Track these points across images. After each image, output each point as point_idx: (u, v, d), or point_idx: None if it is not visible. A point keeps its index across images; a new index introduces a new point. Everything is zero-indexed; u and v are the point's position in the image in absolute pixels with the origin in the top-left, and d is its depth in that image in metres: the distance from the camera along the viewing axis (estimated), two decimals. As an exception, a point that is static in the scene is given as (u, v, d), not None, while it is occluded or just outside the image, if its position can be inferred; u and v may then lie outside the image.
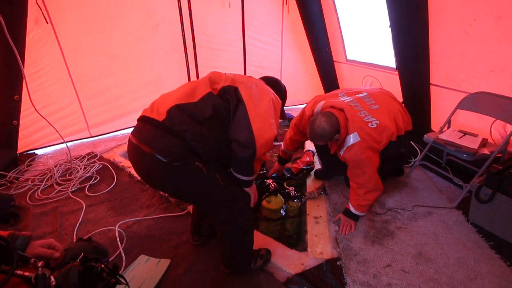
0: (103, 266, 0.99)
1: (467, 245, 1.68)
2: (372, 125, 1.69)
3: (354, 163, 1.73)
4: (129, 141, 1.30)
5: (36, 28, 2.54)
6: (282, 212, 1.96)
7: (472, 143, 1.94)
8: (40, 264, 0.85)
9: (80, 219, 2.03)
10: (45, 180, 2.48)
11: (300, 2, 3.33)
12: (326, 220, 1.91)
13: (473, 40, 2.03)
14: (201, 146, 1.20)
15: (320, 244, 1.71)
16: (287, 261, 1.61)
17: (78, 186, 2.42)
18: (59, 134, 2.52)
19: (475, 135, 2.04)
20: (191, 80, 3.45)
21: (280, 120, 1.46)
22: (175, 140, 1.17)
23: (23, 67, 2.26)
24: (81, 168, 2.64)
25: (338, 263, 1.58)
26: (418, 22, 2.18)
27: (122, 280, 1.06)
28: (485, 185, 1.70)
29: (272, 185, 2.09)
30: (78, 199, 2.24)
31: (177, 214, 2.03)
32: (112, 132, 3.36)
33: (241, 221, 1.38)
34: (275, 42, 3.74)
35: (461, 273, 1.50)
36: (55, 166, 2.67)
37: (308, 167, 2.42)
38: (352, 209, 1.80)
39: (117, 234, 1.83)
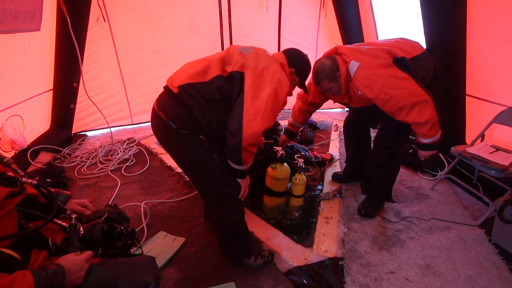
0: (122, 228, 1.18)
1: (483, 264, 1.61)
2: (364, 47, 1.67)
3: (372, 90, 1.58)
4: (153, 106, 1.46)
5: (96, 25, 2.92)
6: (288, 185, 1.93)
7: (503, 160, 1.83)
8: (74, 216, 1.06)
9: (115, 194, 2.31)
10: (90, 158, 2.85)
11: (337, 6, 3.35)
12: (337, 221, 1.94)
13: (515, 51, 1.92)
14: (205, 123, 1.34)
15: (326, 243, 1.76)
16: (291, 254, 1.68)
17: (117, 166, 2.73)
18: (105, 119, 2.87)
19: (509, 152, 1.92)
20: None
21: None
22: (185, 112, 1.32)
23: (82, 60, 2.62)
24: (120, 151, 2.97)
25: (341, 263, 1.62)
26: (454, 30, 2.10)
27: (136, 242, 1.24)
28: (510, 204, 1.61)
29: (280, 152, 1.93)
30: (115, 177, 2.54)
31: (194, 193, 2.24)
32: (150, 121, 3.68)
33: (229, 205, 1.47)
34: (310, 45, 3.79)
35: (470, 290, 1.46)
36: (100, 147, 3.03)
37: (322, 160, 2.44)
38: (423, 140, 1.68)
39: (142, 210, 2.06)
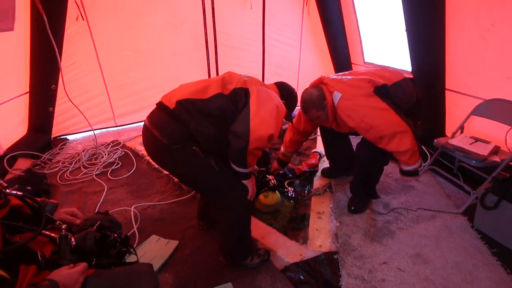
0: (116, 235, 1.13)
1: (468, 250, 1.67)
2: (346, 78, 1.76)
3: (353, 120, 1.65)
4: (144, 122, 1.44)
5: (73, 24, 2.77)
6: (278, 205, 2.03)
7: (482, 150, 1.91)
8: (63, 226, 0.99)
9: (102, 199, 2.21)
10: (73, 163, 2.71)
11: (320, 3, 3.36)
12: (328, 216, 1.96)
13: (490, 46, 1.99)
14: (202, 137, 1.33)
15: (320, 238, 1.77)
16: (287, 251, 1.68)
17: (102, 170, 2.62)
18: (88, 122, 2.74)
19: (487, 142, 2.00)
20: (211, 76, 3.59)
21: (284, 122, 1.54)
22: (178, 126, 1.30)
23: (60, 60, 2.48)
24: (105, 154, 2.85)
25: (335, 257, 1.63)
26: (434, 26, 2.16)
27: (131, 250, 1.19)
28: (491, 191, 1.68)
29: (273, 181, 2.06)
30: (101, 182, 2.43)
31: (187, 196, 2.18)
32: (135, 123, 3.56)
33: (237, 209, 1.44)
34: (294, 42, 3.79)
35: (458, 276, 1.51)
36: (83, 151, 2.89)
37: (312, 169, 2.44)
38: (406, 167, 1.75)
39: (132, 214, 1.99)
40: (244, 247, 1.58)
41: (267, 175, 2.12)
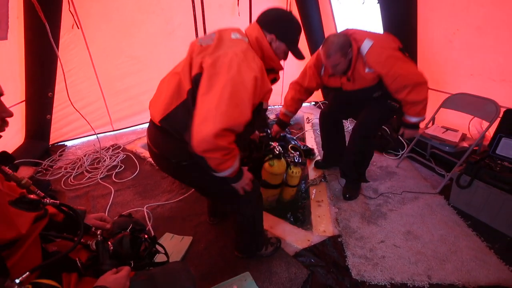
0: (146, 236, 1.06)
1: (448, 224, 1.76)
2: (373, 32, 1.68)
3: (384, 67, 1.58)
4: (147, 140, 1.28)
5: (68, 32, 2.56)
6: (285, 179, 1.84)
7: (453, 138, 2.01)
8: (99, 232, 0.91)
9: (110, 202, 2.08)
10: (76, 168, 2.52)
11: (301, 9, 3.36)
12: (327, 203, 1.98)
13: (455, 48, 2.09)
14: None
15: (323, 224, 1.78)
16: (295, 238, 1.68)
17: (106, 173, 2.46)
18: (91, 127, 2.56)
19: (456, 131, 2.12)
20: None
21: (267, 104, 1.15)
22: (177, 144, 1.09)
23: (62, 69, 2.26)
24: (107, 158, 2.68)
25: (339, 240, 1.65)
26: (407, 31, 2.23)
27: (161, 249, 1.12)
28: (465, 173, 1.78)
29: (277, 148, 1.80)
30: (107, 185, 2.29)
31: (189, 192, 2.10)
32: (132, 126, 3.38)
33: (250, 211, 1.36)
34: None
35: (444, 247, 1.59)
36: (84, 156, 2.71)
37: (308, 148, 2.45)
38: (413, 119, 1.72)
39: (145, 214, 1.89)
40: (258, 240, 1.54)
41: (270, 142, 1.85)
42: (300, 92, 1.98)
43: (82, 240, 0.90)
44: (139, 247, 1.01)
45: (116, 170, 2.50)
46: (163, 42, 3.11)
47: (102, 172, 2.46)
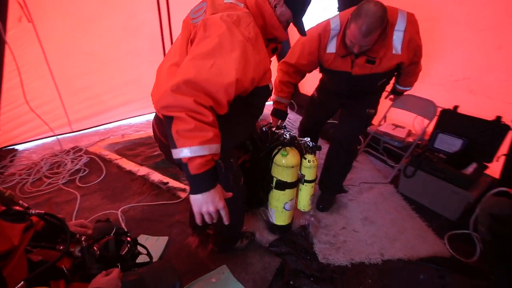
0: (129, 239, 1.10)
1: (397, 209, 2.04)
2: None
3: (419, 38, 1.43)
4: (153, 128, 1.21)
5: (15, 26, 2.34)
6: (299, 173, 1.54)
7: (401, 134, 2.32)
8: (83, 238, 0.94)
9: (77, 207, 2.01)
10: (32, 174, 2.36)
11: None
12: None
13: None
14: None
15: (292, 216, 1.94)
16: (267, 230, 1.80)
17: (68, 178, 2.34)
18: (50, 129, 2.40)
19: (403, 127, 2.43)
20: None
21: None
22: None
23: (16, 63, 2.07)
24: (68, 161, 2.54)
25: (307, 229, 1.83)
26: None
27: (143, 250, 1.17)
28: (410, 164, 2.08)
29: (286, 135, 1.51)
30: (71, 190, 2.19)
31: (172, 202, 2.06)
32: (94, 127, 3.22)
33: (235, 217, 1.29)
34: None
35: (394, 229, 1.85)
36: (41, 160, 2.53)
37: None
38: (406, 88, 1.82)
39: (120, 217, 1.87)
40: (236, 237, 1.60)
41: (276, 130, 1.62)
42: (289, 74, 1.67)
43: (64, 247, 0.92)
44: (123, 249, 1.05)
45: (80, 174, 2.39)
46: (126, 39, 3.01)
47: (64, 177, 2.34)
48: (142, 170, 2.43)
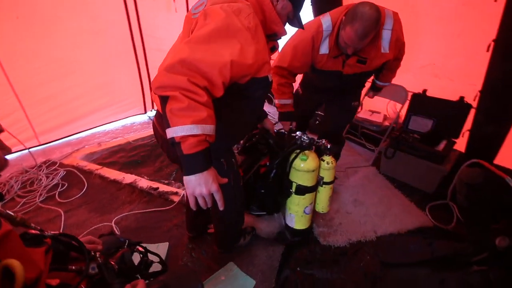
0: (141, 249, 1.07)
1: (382, 188, 2.21)
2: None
3: (403, 36, 1.48)
4: (154, 126, 1.22)
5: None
6: (319, 177, 1.51)
7: (378, 118, 2.49)
8: (98, 255, 0.90)
9: (62, 225, 1.88)
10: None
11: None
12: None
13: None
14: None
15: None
16: (266, 223, 1.83)
17: (46, 195, 2.17)
18: (20, 142, 2.20)
19: (378, 113, 2.61)
20: (142, 80, 3.30)
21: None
22: None
23: None
24: (43, 177, 2.35)
25: (304, 217, 1.90)
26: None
27: (156, 258, 1.15)
28: (390, 146, 2.24)
29: (304, 137, 1.46)
30: (52, 207, 2.04)
31: (165, 208, 2.00)
32: (64, 138, 2.98)
33: (235, 217, 1.39)
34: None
35: (382, 207, 2.00)
36: (11, 179, 2.31)
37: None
38: (386, 83, 1.84)
39: (114, 229, 1.80)
40: (237, 236, 1.60)
41: (292, 134, 1.57)
42: (284, 76, 1.66)
43: (76, 267, 0.88)
44: (137, 260, 1.03)
45: (59, 190, 2.23)
46: (91, 41, 2.81)
47: (41, 194, 2.16)
48: (128, 178, 2.33)
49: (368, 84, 1.98)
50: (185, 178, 0.84)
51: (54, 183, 2.29)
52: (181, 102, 0.77)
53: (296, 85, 2.04)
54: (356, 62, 1.49)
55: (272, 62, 1.13)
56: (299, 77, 2.17)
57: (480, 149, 1.99)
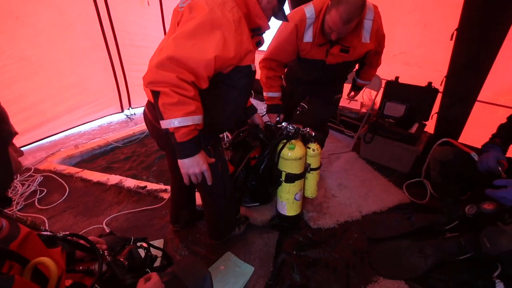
0: (145, 245, 1.09)
1: (363, 171, 2.36)
2: None
3: (382, 28, 1.54)
4: (145, 114, 1.25)
5: None
6: (306, 164, 1.58)
7: (356, 106, 2.63)
8: (106, 253, 0.91)
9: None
10: (-26, 207, 2.00)
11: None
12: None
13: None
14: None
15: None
16: (259, 212, 1.89)
17: (24, 203, 2.06)
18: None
19: (356, 100, 2.75)
20: (117, 77, 3.17)
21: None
22: None
23: None
24: (17, 185, 2.21)
25: (294, 203, 1.99)
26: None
27: (160, 253, 1.17)
28: (369, 132, 2.39)
29: (290, 127, 1.52)
30: (33, 215, 1.94)
31: (155, 206, 1.99)
32: (35, 142, 2.81)
33: (225, 204, 1.41)
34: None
35: (364, 188, 2.14)
36: (-19, 189, 2.14)
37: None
38: (366, 81, 1.91)
39: (106, 230, 1.76)
40: (230, 226, 1.63)
41: (279, 125, 1.62)
42: (272, 68, 1.71)
43: (83, 267, 0.88)
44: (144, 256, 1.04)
45: (38, 196, 2.12)
46: (59, 37, 2.65)
47: (18, 202, 2.04)
48: (112, 179, 2.26)
49: (350, 77, 2.05)
50: (180, 161, 1.00)
51: (31, 190, 2.17)
52: (172, 97, 0.88)
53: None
54: (339, 51, 1.53)
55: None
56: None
57: (447, 130, 2.19)
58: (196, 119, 0.95)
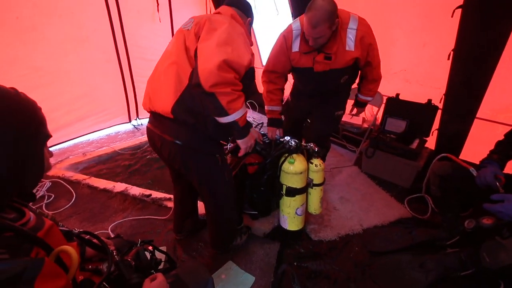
0: (151, 248, 1.13)
1: (365, 185, 2.39)
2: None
3: (371, 38, 1.59)
4: (150, 130, 1.36)
5: None
6: (308, 178, 1.59)
7: (358, 121, 2.70)
8: (115, 253, 0.95)
9: (54, 237, 1.85)
10: (-16, 210, 2.06)
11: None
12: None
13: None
14: (209, 127, 1.24)
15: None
16: (260, 223, 1.91)
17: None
18: None
19: (357, 116, 2.81)
20: (127, 90, 3.30)
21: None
22: (194, 132, 1.24)
23: None
24: (26, 190, 2.27)
25: (296, 215, 2.02)
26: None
27: (165, 256, 1.20)
28: (370, 146, 2.44)
29: (291, 142, 1.54)
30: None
31: (160, 215, 2.02)
32: (46, 149, 2.90)
33: (232, 216, 1.51)
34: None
35: (365, 202, 2.17)
36: (-8, 193, 2.21)
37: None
38: (368, 98, 1.94)
39: (111, 235, 1.79)
40: (232, 235, 1.66)
41: (279, 139, 1.66)
42: (272, 81, 1.81)
43: (92, 266, 0.93)
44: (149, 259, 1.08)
45: (45, 201, 2.18)
46: (75, 50, 2.80)
47: (26, 207, 2.10)
48: (118, 186, 2.32)
49: (353, 95, 2.13)
50: (240, 141, 1.28)
51: (40, 195, 2.23)
52: (233, 95, 1.10)
53: (287, 94, 2.17)
54: (323, 58, 1.61)
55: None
56: (289, 87, 2.30)
57: (447, 146, 2.23)
58: (245, 107, 1.20)
